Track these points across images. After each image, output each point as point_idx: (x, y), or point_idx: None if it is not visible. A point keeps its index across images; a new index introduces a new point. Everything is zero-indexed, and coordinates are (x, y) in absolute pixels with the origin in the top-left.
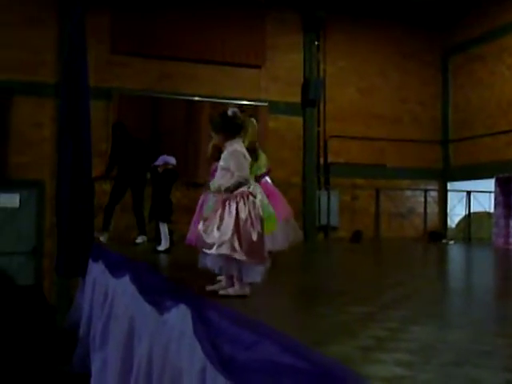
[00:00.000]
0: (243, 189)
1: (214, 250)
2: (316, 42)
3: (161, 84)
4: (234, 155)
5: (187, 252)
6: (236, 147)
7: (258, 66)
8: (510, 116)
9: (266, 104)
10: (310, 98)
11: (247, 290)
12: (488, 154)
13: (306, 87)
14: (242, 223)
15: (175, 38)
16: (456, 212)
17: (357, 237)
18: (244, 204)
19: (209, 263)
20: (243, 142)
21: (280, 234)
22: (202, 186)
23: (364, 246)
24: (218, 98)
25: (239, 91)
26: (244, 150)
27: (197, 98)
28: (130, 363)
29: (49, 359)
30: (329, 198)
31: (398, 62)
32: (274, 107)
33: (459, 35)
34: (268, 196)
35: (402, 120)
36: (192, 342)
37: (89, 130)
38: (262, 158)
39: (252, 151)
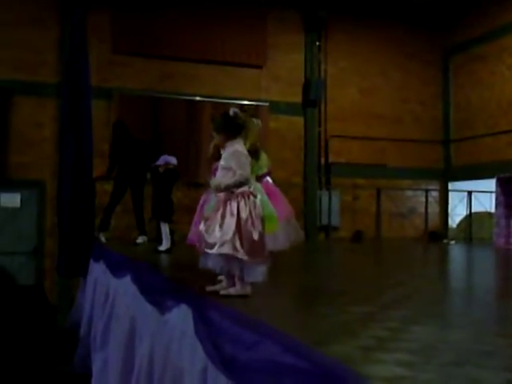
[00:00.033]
0: (244, 188)
1: (215, 250)
2: (317, 42)
3: (162, 84)
4: (234, 155)
5: (188, 252)
6: (237, 147)
7: (258, 66)
8: (511, 116)
9: (266, 104)
10: (311, 98)
11: (248, 290)
12: (489, 153)
13: (307, 87)
14: (243, 223)
15: (176, 37)
16: (457, 212)
17: (357, 237)
18: (245, 204)
19: (210, 263)
20: (245, 142)
21: (281, 234)
22: (202, 186)
23: (365, 245)
24: (219, 98)
25: (240, 91)
26: (245, 151)
27: (198, 98)
28: (131, 363)
29: (50, 359)
30: (330, 197)
31: (400, 62)
32: (275, 107)
33: (460, 35)
34: (269, 196)
35: (402, 120)
36: (193, 341)
37: (90, 130)
38: (263, 157)
39: (254, 152)
